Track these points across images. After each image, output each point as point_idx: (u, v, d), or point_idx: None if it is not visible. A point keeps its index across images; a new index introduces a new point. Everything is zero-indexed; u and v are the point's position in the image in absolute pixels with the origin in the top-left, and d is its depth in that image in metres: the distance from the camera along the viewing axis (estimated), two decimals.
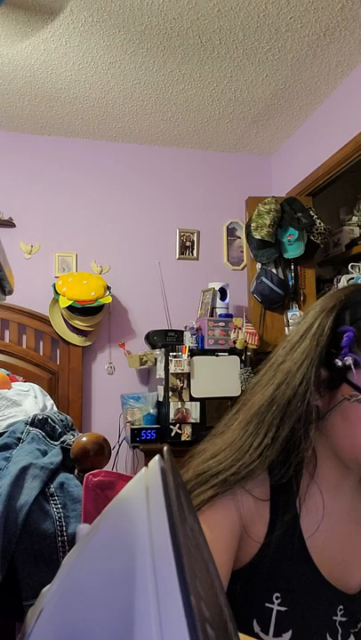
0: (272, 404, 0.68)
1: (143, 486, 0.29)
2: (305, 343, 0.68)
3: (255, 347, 2.85)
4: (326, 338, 0.67)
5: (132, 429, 2.68)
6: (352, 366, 0.64)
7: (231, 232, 3.43)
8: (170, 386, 2.67)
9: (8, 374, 2.65)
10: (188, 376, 2.69)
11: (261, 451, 0.66)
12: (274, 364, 0.72)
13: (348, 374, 0.65)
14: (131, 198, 3.32)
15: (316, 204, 3.17)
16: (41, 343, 3.05)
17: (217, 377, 2.74)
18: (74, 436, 1.86)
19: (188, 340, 2.82)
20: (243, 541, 0.68)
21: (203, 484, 0.67)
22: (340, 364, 0.65)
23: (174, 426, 2.65)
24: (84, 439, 1.57)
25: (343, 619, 0.69)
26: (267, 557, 0.67)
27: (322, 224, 3.04)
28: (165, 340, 2.92)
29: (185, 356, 2.68)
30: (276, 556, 0.67)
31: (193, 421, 2.67)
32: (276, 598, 0.67)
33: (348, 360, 0.64)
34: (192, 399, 2.68)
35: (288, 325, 3.08)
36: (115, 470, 2.13)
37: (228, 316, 3.00)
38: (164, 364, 2.71)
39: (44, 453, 1.65)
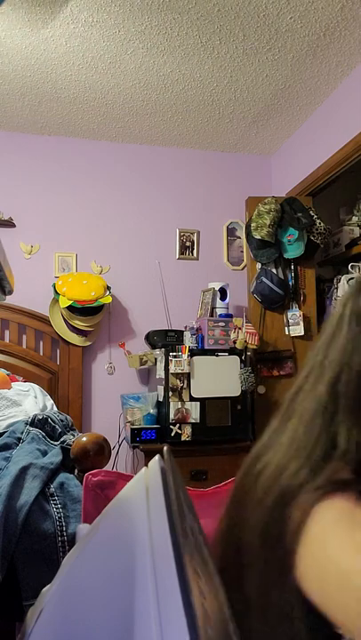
0: (337, 396, 0.62)
1: (143, 486, 0.29)
2: (344, 330, 0.64)
3: (255, 347, 2.85)
4: None
5: (132, 429, 2.68)
6: None
7: (231, 232, 3.43)
8: (170, 386, 2.67)
9: (8, 374, 2.65)
10: (188, 376, 2.69)
11: (349, 446, 0.59)
12: (314, 367, 0.67)
13: None
14: (131, 198, 3.31)
15: (316, 204, 3.17)
16: (41, 343, 3.05)
17: (217, 377, 2.74)
18: (74, 435, 1.86)
19: (188, 340, 2.82)
20: None
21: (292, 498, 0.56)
22: None
23: (174, 426, 2.65)
24: (84, 439, 1.57)
25: None
26: None
27: (322, 224, 3.04)
28: (165, 340, 2.92)
29: (185, 356, 2.68)
30: None
31: (193, 421, 2.67)
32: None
33: None
34: (192, 399, 2.68)
35: (288, 325, 3.08)
36: (115, 470, 2.13)
37: (228, 315, 3.00)
38: (164, 364, 2.71)
39: (44, 453, 1.65)
